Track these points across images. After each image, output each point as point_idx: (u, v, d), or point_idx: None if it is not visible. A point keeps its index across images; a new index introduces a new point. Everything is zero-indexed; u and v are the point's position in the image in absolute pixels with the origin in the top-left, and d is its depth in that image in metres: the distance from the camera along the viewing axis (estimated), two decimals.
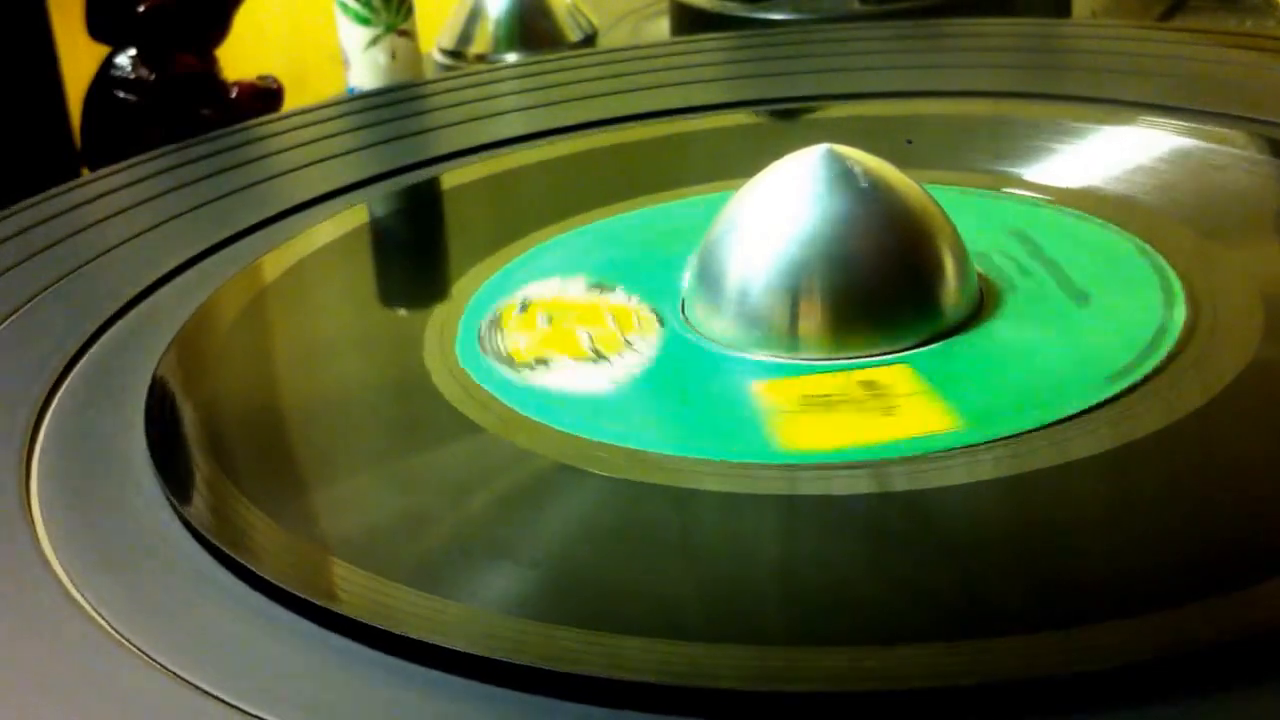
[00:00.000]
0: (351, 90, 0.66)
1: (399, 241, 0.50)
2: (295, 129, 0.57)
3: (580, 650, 0.27)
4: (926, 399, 0.35)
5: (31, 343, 0.41)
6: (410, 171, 0.52)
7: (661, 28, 0.80)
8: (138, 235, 0.47)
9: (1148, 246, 0.41)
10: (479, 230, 0.49)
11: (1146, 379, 0.35)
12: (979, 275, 0.39)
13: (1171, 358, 0.35)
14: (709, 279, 0.39)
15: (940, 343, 0.37)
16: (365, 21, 0.66)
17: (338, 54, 0.67)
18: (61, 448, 0.36)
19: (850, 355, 0.37)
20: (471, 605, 0.29)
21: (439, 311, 0.41)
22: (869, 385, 0.35)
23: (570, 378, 0.37)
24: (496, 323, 0.40)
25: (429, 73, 0.73)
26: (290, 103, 0.69)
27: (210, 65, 0.68)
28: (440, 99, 0.60)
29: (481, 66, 0.74)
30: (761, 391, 0.36)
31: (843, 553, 0.31)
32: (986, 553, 0.30)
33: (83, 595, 0.30)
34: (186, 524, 0.32)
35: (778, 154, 0.39)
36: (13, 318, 0.42)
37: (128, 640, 0.28)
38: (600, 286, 0.41)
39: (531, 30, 0.76)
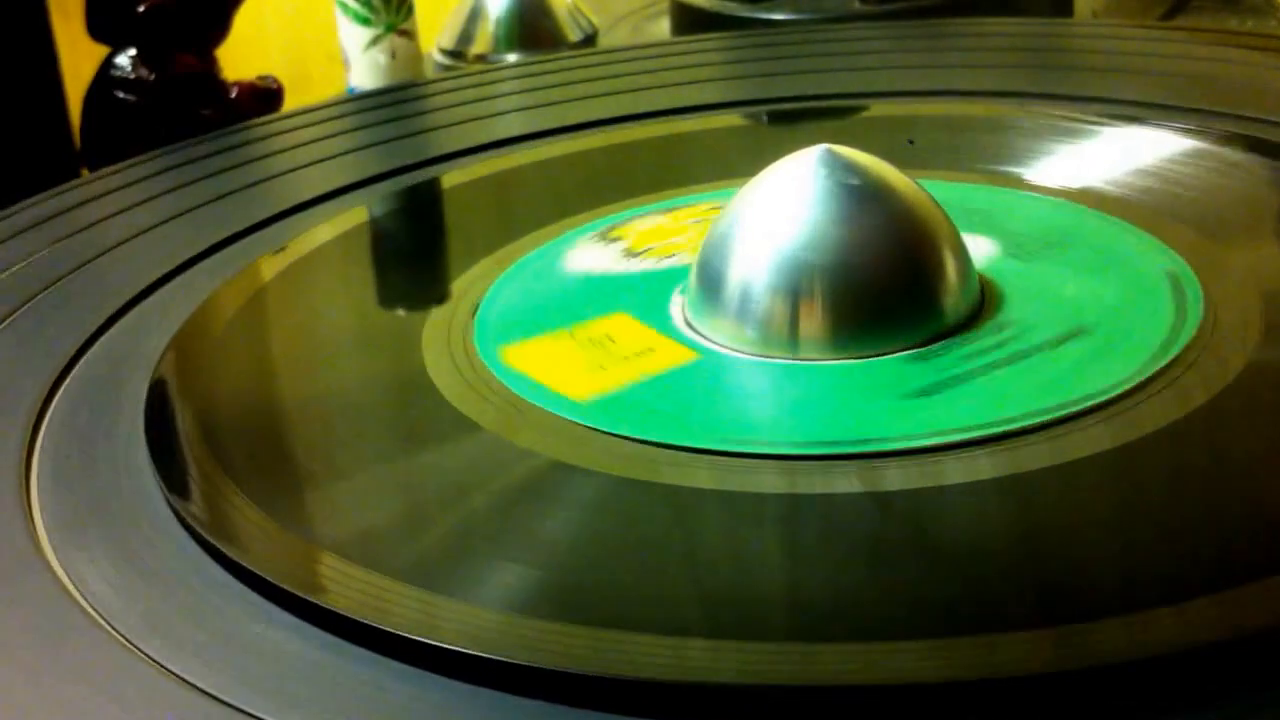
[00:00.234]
0: (351, 90, 0.66)
1: (399, 242, 0.50)
2: (295, 129, 0.57)
3: (585, 650, 0.27)
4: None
5: (32, 342, 0.41)
6: (410, 171, 0.52)
7: (661, 28, 0.80)
8: (138, 235, 0.47)
9: (1161, 243, 0.41)
10: (479, 230, 0.49)
11: (1155, 378, 0.35)
12: (980, 275, 0.39)
13: (1180, 357, 0.35)
14: (708, 280, 0.39)
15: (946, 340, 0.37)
16: (365, 21, 0.66)
17: (338, 54, 0.67)
18: (62, 448, 0.36)
19: (850, 355, 0.37)
20: (472, 605, 0.29)
21: (438, 311, 0.41)
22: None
23: None
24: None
25: (429, 73, 0.73)
26: (290, 103, 0.69)
27: (210, 65, 0.68)
28: (440, 99, 0.60)
29: (481, 66, 0.74)
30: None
31: (839, 551, 0.31)
32: (985, 552, 0.30)
33: (83, 595, 0.30)
34: (186, 524, 0.32)
35: (778, 154, 0.39)
36: (13, 317, 0.42)
37: (128, 640, 0.28)
38: None
39: (532, 30, 0.76)
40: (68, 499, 0.34)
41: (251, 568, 0.30)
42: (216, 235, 0.47)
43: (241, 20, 0.69)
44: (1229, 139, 0.47)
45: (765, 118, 0.56)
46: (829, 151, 0.38)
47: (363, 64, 0.66)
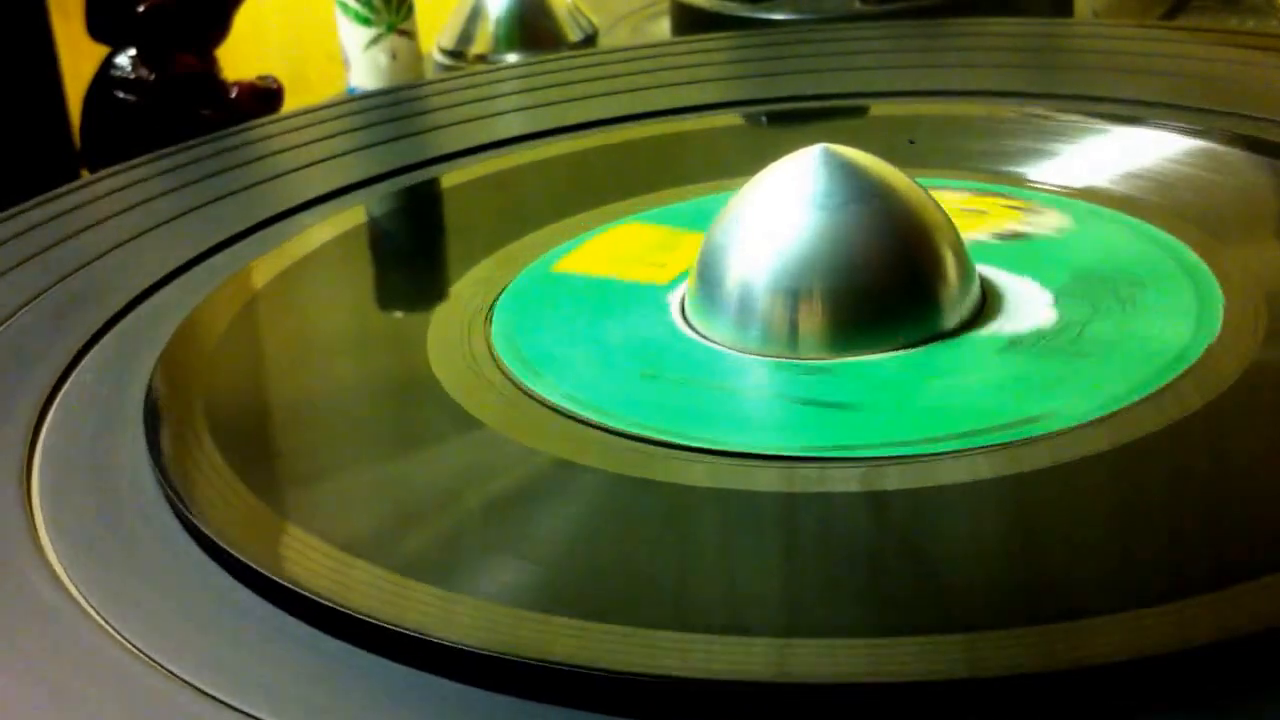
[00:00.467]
0: (351, 90, 0.66)
1: (399, 242, 0.50)
2: (295, 129, 0.57)
3: (583, 646, 0.27)
4: None
5: (33, 343, 0.41)
6: (410, 172, 0.52)
7: (662, 28, 0.80)
8: (138, 236, 0.47)
9: (1178, 242, 0.41)
10: (479, 231, 0.49)
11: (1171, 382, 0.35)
12: (980, 275, 0.39)
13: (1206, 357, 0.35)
14: (708, 279, 0.39)
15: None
16: (365, 21, 0.66)
17: (338, 54, 0.67)
18: (62, 448, 0.36)
19: (850, 355, 0.37)
20: (473, 600, 0.29)
21: (438, 311, 0.41)
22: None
23: None
24: None
25: (429, 73, 0.73)
26: (290, 103, 0.69)
27: (210, 65, 0.68)
28: (440, 99, 0.60)
29: (482, 67, 0.74)
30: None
31: (842, 547, 0.31)
32: (984, 552, 0.30)
33: (82, 595, 0.30)
34: (186, 524, 0.32)
35: (778, 154, 0.39)
36: (14, 318, 0.42)
37: (128, 640, 0.28)
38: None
39: (532, 30, 0.76)
40: (68, 499, 0.34)
41: (254, 567, 0.30)
42: (217, 236, 0.47)
43: (241, 20, 0.69)
44: (1230, 139, 0.47)
45: (765, 118, 0.56)
46: (829, 151, 0.38)
47: (363, 64, 0.66)
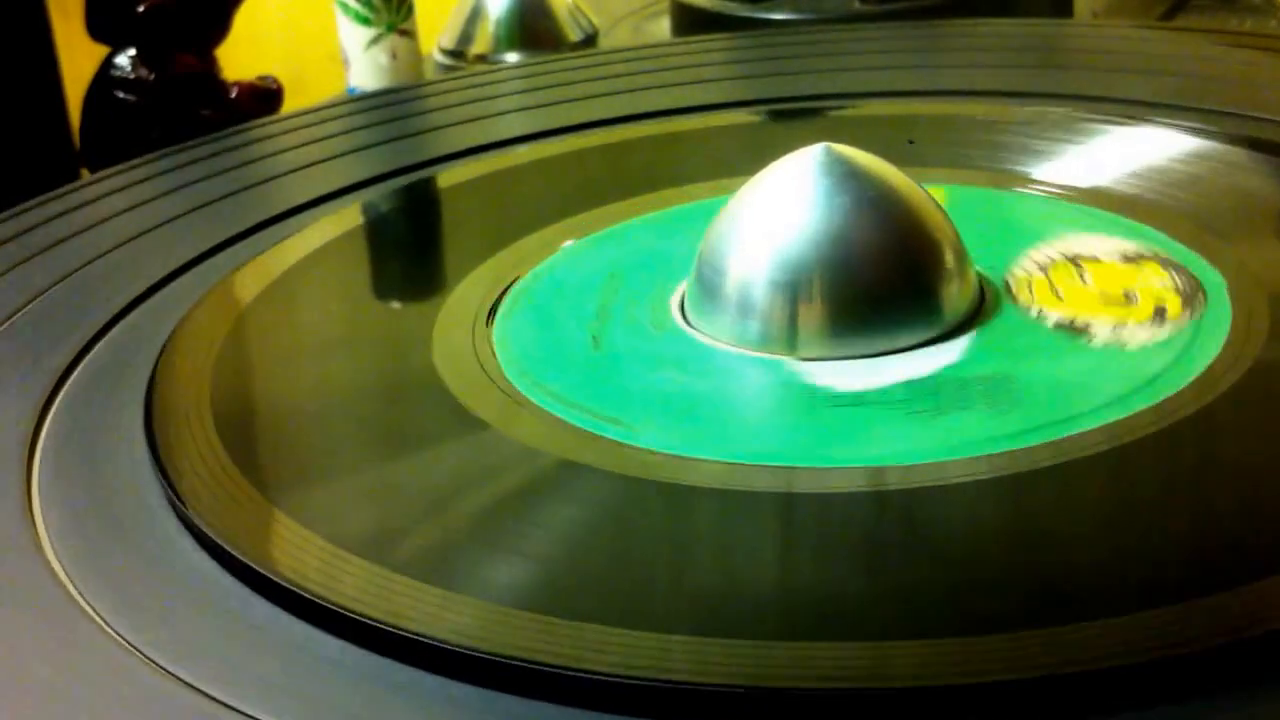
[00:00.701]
0: (351, 90, 0.66)
1: (399, 242, 0.50)
2: (295, 130, 0.57)
3: (584, 648, 0.27)
4: None
5: (33, 343, 0.41)
6: (410, 172, 0.52)
7: (662, 28, 0.80)
8: (138, 236, 0.47)
9: (1179, 244, 0.41)
10: (480, 231, 0.49)
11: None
12: (980, 275, 0.39)
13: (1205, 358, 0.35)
14: (708, 279, 0.39)
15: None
16: (365, 21, 0.66)
17: (338, 54, 0.67)
18: (62, 448, 0.36)
19: (850, 355, 0.37)
20: (475, 601, 0.29)
21: (440, 310, 0.41)
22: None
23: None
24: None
25: (429, 73, 0.73)
26: (290, 103, 0.69)
27: (210, 65, 0.68)
28: (440, 99, 0.60)
29: (482, 67, 0.74)
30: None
31: (839, 551, 0.31)
32: (986, 554, 0.30)
33: (83, 595, 0.30)
34: (187, 524, 0.32)
35: (778, 154, 0.39)
36: (14, 318, 0.42)
37: (128, 641, 0.28)
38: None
39: (532, 30, 0.76)
40: (69, 499, 0.34)
41: (254, 565, 0.30)
42: (217, 236, 0.47)
43: (241, 20, 0.68)
44: (1231, 138, 0.47)
45: (765, 118, 0.56)
46: (829, 151, 0.38)
47: (363, 64, 0.66)
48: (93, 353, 0.40)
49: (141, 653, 0.28)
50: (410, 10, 0.67)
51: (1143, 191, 0.44)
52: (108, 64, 0.67)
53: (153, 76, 0.66)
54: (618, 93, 0.58)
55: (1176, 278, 0.38)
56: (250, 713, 0.26)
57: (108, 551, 0.32)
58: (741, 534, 0.31)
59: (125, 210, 0.50)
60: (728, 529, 0.32)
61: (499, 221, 0.49)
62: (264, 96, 0.68)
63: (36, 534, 0.32)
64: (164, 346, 0.39)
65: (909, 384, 0.35)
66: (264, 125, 0.59)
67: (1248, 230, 0.42)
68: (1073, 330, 0.36)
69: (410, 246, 0.50)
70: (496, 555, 0.31)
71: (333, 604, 0.28)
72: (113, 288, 0.44)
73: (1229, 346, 0.36)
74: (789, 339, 0.37)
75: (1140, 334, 0.36)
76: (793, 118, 0.55)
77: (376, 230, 0.49)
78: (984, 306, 0.39)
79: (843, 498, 0.32)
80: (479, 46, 0.77)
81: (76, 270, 0.45)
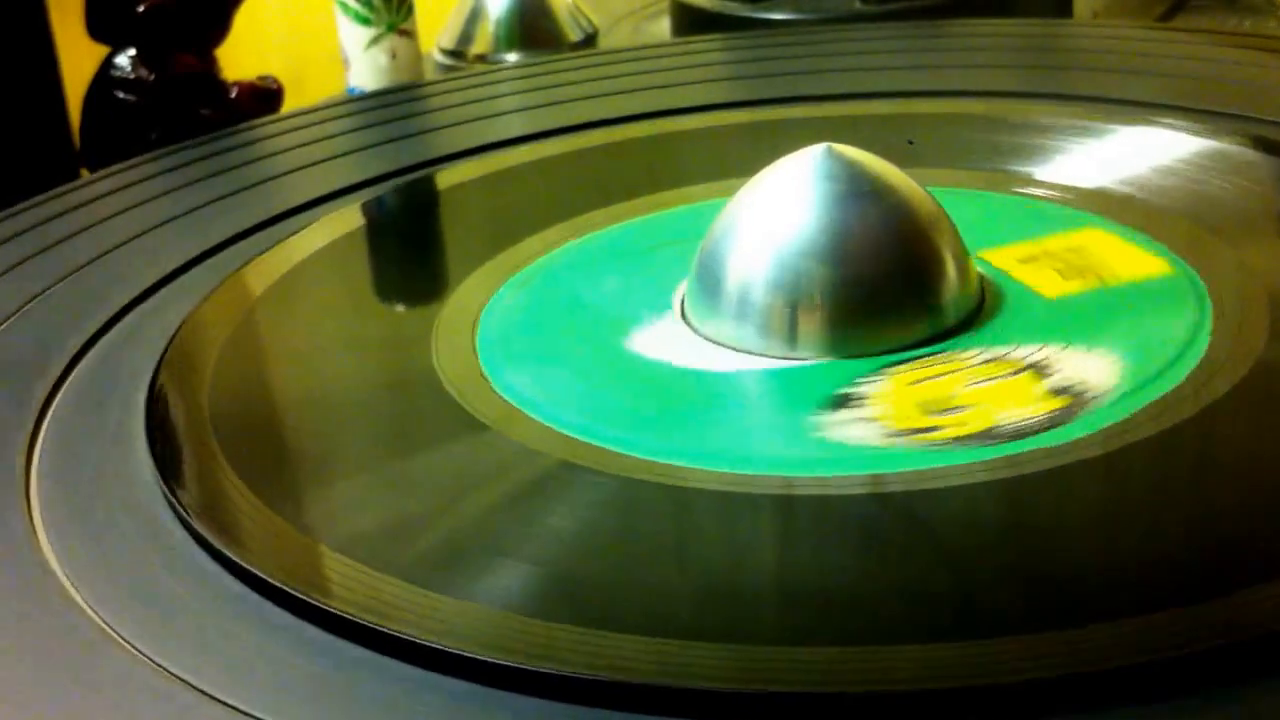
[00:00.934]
0: (351, 90, 0.66)
1: (399, 242, 0.50)
2: (295, 130, 0.57)
3: (580, 651, 0.27)
4: None
5: (33, 343, 0.41)
6: (411, 172, 0.52)
7: (662, 28, 0.80)
8: (138, 236, 0.47)
9: (1166, 249, 0.41)
10: (480, 231, 0.49)
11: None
12: (980, 275, 0.39)
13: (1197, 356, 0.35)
14: (709, 279, 0.39)
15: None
16: (365, 21, 0.66)
17: (338, 54, 0.67)
18: (62, 448, 0.36)
19: (850, 354, 0.37)
20: (472, 604, 0.29)
21: (440, 311, 0.41)
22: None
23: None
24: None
25: (429, 73, 0.73)
26: (290, 103, 0.69)
27: (210, 65, 0.68)
28: (440, 99, 0.60)
29: (482, 67, 0.74)
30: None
31: (838, 554, 0.31)
32: (991, 554, 0.30)
33: (82, 595, 0.30)
34: (186, 524, 0.32)
35: (778, 154, 0.39)
36: (14, 318, 0.42)
37: (127, 640, 0.28)
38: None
39: (532, 30, 0.76)
40: (68, 499, 0.34)
41: (252, 569, 0.30)
42: (217, 236, 0.47)
43: (241, 20, 0.68)
44: (1230, 138, 0.47)
45: (765, 118, 0.56)
46: (830, 151, 0.38)
47: (363, 64, 0.66)
48: (93, 351, 0.40)
49: (141, 651, 0.28)
50: (410, 10, 0.67)
51: (1142, 191, 0.44)
52: (108, 64, 0.67)
53: (153, 76, 0.66)
54: (618, 93, 0.58)
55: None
56: (251, 712, 0.26)
57: (107, 552, 0.32)
58: (741, 535, 0.32)
59: (125, 210, 0.50)
60: (727, 530, 0.32)
61: (499, 221, 0.49)
62: (264, 96, 0.68)
63: (35, 534, 0.32)
64: (166, 347, 0.39)
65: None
66: (264, 125, 0.59)
67: (1248, 230, 0.42)
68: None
69: (410, 247, 0.50)
70: (497, 558, 0.31)
71: (335, 607, 0.28)
72: (113, 288, 0.44)
73: (1230, 347, 0.36)
74: (789, 339, 0.37)
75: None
76: (793, 118, 0.55)
77: (376, 231, 0.49)
78: (984, 306, 0.39)
79: (839, 499, 0.32)
80: (479, 46, 0.77)
81: (76, 270, 0.45)
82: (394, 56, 0.66)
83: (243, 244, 0.47)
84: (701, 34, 0.71)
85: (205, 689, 0.27)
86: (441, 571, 0.30)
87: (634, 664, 0.27)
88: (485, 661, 0.27)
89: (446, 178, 0.51)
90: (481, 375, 0.38)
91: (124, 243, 0.47)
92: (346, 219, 0.48)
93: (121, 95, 0.66)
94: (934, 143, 0.49)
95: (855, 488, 0.32)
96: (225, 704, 0.27)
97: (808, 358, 0.37)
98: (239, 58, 0.72)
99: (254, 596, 0.30)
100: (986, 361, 0.36)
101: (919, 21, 0.67)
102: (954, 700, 0.25)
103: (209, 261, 0.46)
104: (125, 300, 0.43)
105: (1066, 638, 0.27)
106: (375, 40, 0.66)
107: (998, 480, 0.32)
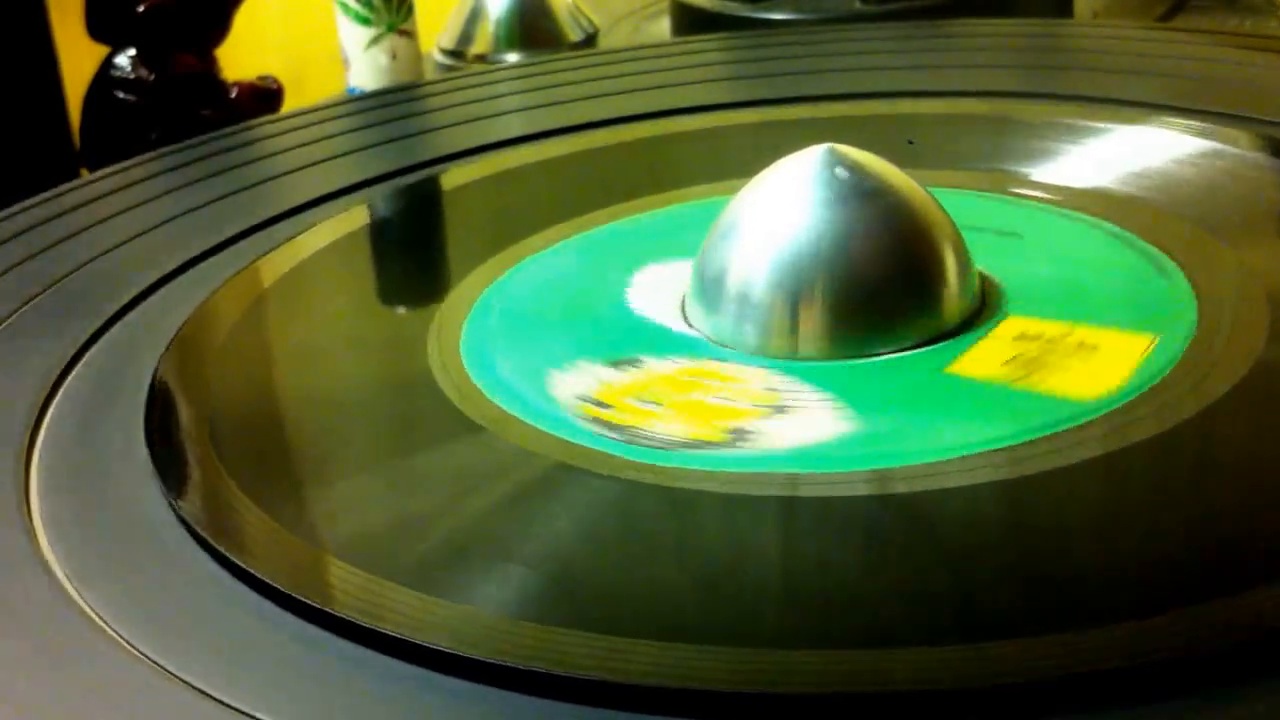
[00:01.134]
0: (351, 90, 0.66)
1: (400, 242, 0.50)
2: (295, 130, 0.57)
3: (577, 652, 0.27)
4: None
5: (32, 343, 0.41)
6: (411, 172, 0.52)
7: (662, 28, 0.80)
8: (138, 236, 0.47)
9: (1153, 248, 0.41)
10: (480, 231, 0.49)
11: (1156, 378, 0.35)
12: (980, 275, 0.39)
13: (1180, 358, 0.35)
14: (710, 280, 0.39)
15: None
16: (365, 21, 0.66)
17: (338, 54, 0.67)
18: (61, 448, 0.36)
19: (851, 355, 0.37)
20: (469, 607, 0.29)
21: (440, 312, 0.41)
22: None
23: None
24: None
25: (429, 73, 0.73)
26: (290, 103, 0.69)
27: (210, 65, 0.68)
28: (440, 99, 0.60)
29: (482, 66, 0.74)
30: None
31: (840, 555, 0.31)
32: (991, 555, 0.30)
33: (82, 595, 0.30)
34: (186, 524, 0.32)
35: (778, 154, 0.39)
36: (13, 317, 0.42)
37: (127, 641, 0.28)
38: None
39: (532, 30, 0.76)
40: (67, 500, 0.34)
41: (252, 570, 0.30)
42: (216, 236, 0.47)
43: (241, 20, 0.69)
44: (1230, 138, 0.47)
45: (765, 118, 0.56)
46: (831, 151, 0.38)
47: (363, 64, 0.66)
48: (92, 351, 0.40)
49: (141, 652, 0.28)
50: (410, 10, 0.67)
51: (1141, 191, 0.44)
52: (108, 64, 0.67)
53: (153, 76, 0.66)
54: (618, 93, 0.58)
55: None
56: (250, 712, 0.26)
57: (107, 552, 0.32)
58: (740, 535, 0.32)
59: (125, 210, 0.50)
60: (726, 530, 0.32)
61: (499, 222, 0.49)
62: (264, 96, 0.68)
63: (35, 535, 0.32)
64: (167, 347, 0.39)
65: None
66: (264, 125, 0.59)
67: (1248, 230, 0.42)
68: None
69: (410, 247, 0.50)
70: (494, 560, 0.31)
71: (334, 608, 0.28)
72: (112, 288, 0.44)
73: (1229, 348, 0.36)
74: (790, 340, 0.37)
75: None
76: (793, 118, 0.55)
77: (376, 231, 0.49)
78: (984, 307, 0.39)
79: (840, 501, 0.32)
80: (479, 46, 0.77)
81: (76, 270, 0.45)
82: (394, 56, 0.66)
83: (243, 244, 0.47)
84: (701, 34, 0.71)
85: (205, 689, 0.27)
86: (442, 571, 0.30)
87: (633, 664, 0.27)
88: (485, 661, 0.27)
89: (447, 178, 0.51)
90: (481, 376, 0.38)
91: (124, 242, 0.47)
92: (346, 220, 0.48)
93: (121, 95, 0.66)
94: (934, 143, 0.49)
95: (855, 489, 0.32)
96: (225, 704, 0.27)
97: (807, 358, 0.37)
98: (239, 58, 0.72)
99: (253, 596, 0.30)
100: (769, 389, 0.35)
101: (919, 21, 0.67)
102: (954, 701, 0.25)
103: (209, 261, 0.45)
104: (125, 300, 0.43)
105: (1066, 639, 0.27)
106: (375, 40, 0.66)
107: (998, 481, 0.32)
